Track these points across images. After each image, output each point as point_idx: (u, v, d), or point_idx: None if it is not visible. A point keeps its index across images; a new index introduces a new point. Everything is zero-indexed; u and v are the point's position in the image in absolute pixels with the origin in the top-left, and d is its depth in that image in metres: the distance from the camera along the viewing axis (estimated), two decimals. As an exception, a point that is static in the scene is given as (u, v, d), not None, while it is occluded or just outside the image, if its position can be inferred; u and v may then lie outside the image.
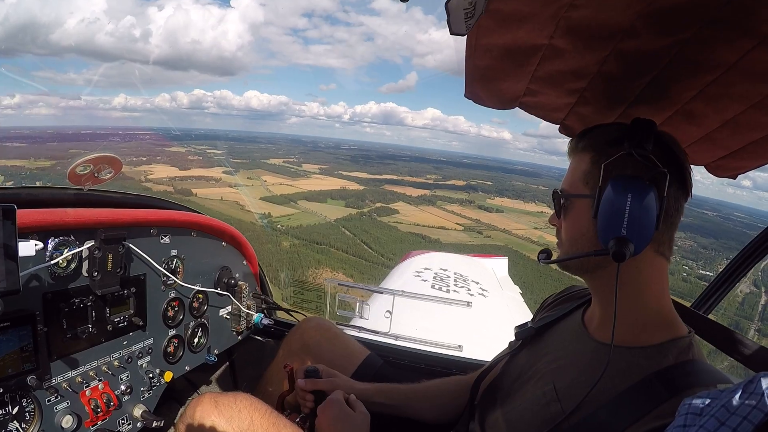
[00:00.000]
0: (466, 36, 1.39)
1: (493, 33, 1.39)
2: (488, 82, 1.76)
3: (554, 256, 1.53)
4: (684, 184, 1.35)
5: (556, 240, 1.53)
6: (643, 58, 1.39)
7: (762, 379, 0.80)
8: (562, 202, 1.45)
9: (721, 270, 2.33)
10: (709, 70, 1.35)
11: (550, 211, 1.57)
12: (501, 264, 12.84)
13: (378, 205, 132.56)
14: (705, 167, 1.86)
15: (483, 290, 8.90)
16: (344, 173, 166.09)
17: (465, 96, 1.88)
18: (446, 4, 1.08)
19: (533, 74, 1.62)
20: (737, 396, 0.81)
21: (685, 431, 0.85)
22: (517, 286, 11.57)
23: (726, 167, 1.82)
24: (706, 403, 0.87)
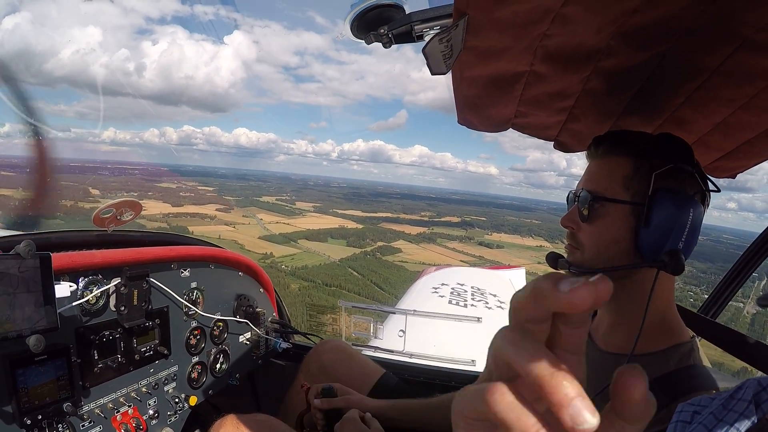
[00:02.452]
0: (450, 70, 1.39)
1: (475, 66, 1.40)
2: (478, 108, 1.78)
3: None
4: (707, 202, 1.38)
5: (567, 243, 1.46)
6: (625, 73, 1.40)
7: (749, 386, 0.80)
8: (594, 205, 1.37)
9: (725, 274, 2.33)
10: (693, 76, 1.36)
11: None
12: (518, 275, 12.67)
13: (380, 243, 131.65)
14: (703, 170, 1.87)
15: (501, 302, 8.82)
16: (339, 211, 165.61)
17: (458, 122, 1.90)
18: (423, 49, 1.15)
19: (520, 98, 1.62)
20: (725, 403, 0.82)
21: None
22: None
23: (723, 168, 1.82)
24: (697, 410, 0.87)
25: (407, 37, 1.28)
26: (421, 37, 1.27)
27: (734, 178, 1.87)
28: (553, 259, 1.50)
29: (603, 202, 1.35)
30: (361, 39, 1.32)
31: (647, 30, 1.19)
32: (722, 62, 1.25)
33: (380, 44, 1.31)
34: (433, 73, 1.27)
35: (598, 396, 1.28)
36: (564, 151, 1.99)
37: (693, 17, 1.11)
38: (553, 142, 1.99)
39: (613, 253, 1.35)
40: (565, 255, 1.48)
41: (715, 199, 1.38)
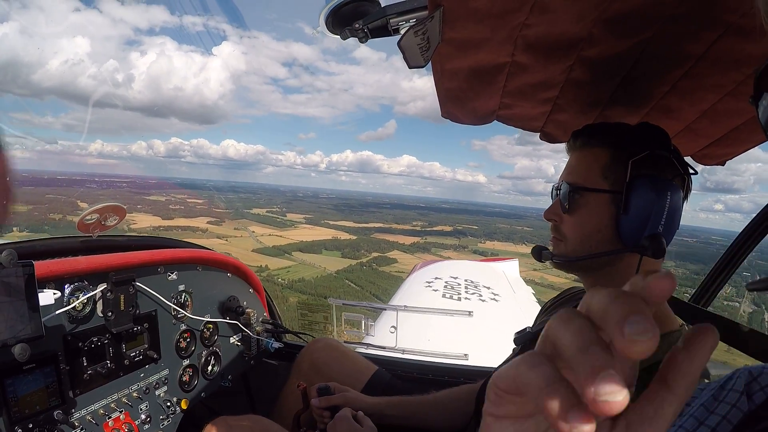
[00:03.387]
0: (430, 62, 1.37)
1: (455, 58, 1.40)
2: (461, 101, 1.77)
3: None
4: (688, 186, 1.39)
5: (552, 236, 1.48)
6: (609, 62, 1.39)
7: (740, 376, 0.79)
8: (575, 196, 1.38)
9: (716, 261, 2.30)
10: (677, 64, 1.35)
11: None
12: (512, 266, 12.72)
13: (375, 254, 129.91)
14: (692, 157, 1.83)
15: (495, 295, 8.85)
16: (331, 222, 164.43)
17: (442, 116, 1.88)
18: (398, 43, 1.14)
19: (503, 90, 1.62)
20: (716, 394, 0.80)
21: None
22: (529, 287, 11.46)
23: (712, 155, 1.81)
24: (687, 401, 0.87)
25: (383, 31, 1.27)
26: (397, 31, 1.26)
27: (723, 165, 1.86)
28: (537, 251, 1.51)
29: (583, 192, 1.37)
30: (337, 34, 1.31)
31: (629, 17, 1.19)
32: (707, 49, 1.24)
33: (356, 39, 1.31)
34: (410, 67, 1.26)
35: None
36: (550, 142, 1.99)
37: (676, 4, 1.11)
38: (539, 134, 1.98)
39: (596, 242, 1.36)
40: (550, 248, 1.49)
41: (702, 200, 1.40)
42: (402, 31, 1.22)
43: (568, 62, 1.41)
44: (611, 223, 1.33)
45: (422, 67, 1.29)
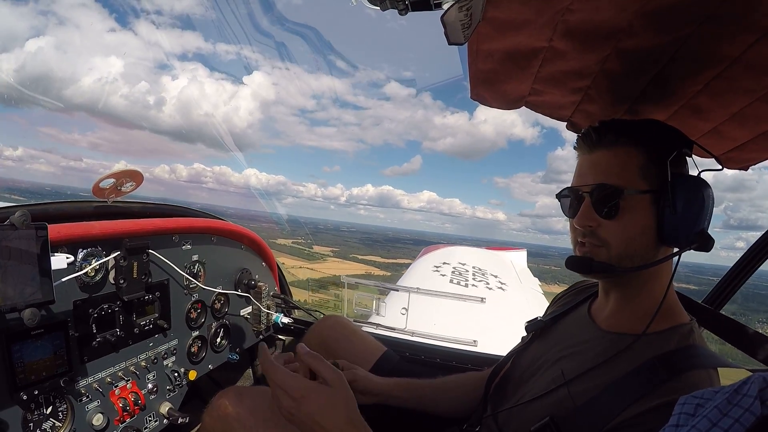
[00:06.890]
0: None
1: (493, 39, 1.39)
2: (492, 84, 1.76)
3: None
4: None
5: (585, 241, 1.40)
6: (645, 56, 1.39)
7: (754, 382, 0.80)
8: (614, 199, 1.33)
9: (732, 265, 2.30)
10: (712, 64, 1.34)
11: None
12: (520, 256, 12.74)
13: None
14: (717, 159, 1.77)
15: (502, 284, 8.85)
16: (359, 257, 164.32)
17: (471, 98, 1.88)
18: (442, 17, 1.11)
19: (536, 75, 1.61)
20: (730, 398, 0.81)
21: (678, 431, 0.86)
22: (536, 279, 11.46)
23: (737, 159, 1.79)
24: (701, 403, 0.88)
25: (425, 4, 1.21)
26: (439, 5, 1.20)
27: (746, 170, 1.84)
28: (585, 263, 1.39)
29: (626, 194, 1.33)
30: (376, 5, 1.25)
31: (670, 12, 1.18)
32: (743, 52, 1.23)
33: (396, 11, 1.25)
34: (450, 43, 1.22)
35: (594, 369, 1.30)
36: (576, 132, 1.96)
37: (717, 4, 1.11)
38: (566, 123, 1.96)
39: (639, 244, 1.35)
40: (581, 254, 1.43)
41: (723, 238, 1.35)
42: (444, 6, 1.16)
43: (604, 52, 1.40)
44: (654, 224, 1.32)
45: (462, 44, 1.25)
